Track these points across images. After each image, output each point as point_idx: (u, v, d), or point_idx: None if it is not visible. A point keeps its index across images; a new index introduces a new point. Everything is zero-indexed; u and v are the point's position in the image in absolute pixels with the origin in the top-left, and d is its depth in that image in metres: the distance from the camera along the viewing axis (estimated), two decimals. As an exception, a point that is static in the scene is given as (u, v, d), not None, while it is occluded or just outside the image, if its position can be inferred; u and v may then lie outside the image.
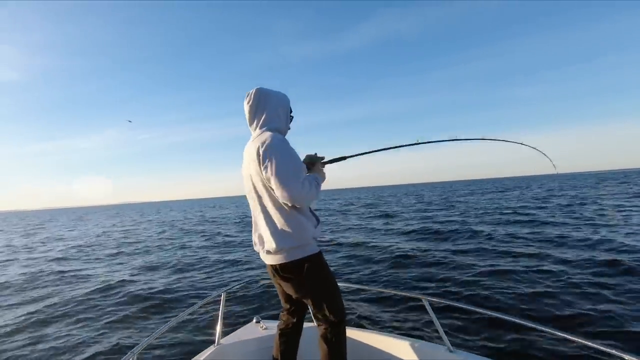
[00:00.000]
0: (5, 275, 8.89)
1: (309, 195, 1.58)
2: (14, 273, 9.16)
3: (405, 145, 2.04)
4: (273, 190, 1.58)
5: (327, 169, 1.89)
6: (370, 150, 2.01)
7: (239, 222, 22.30)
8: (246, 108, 1.73)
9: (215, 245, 12.41)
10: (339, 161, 1.91)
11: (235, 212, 35.61)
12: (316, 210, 1.79)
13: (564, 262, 6.86)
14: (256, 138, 1.67)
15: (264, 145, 1.57)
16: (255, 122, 1.72)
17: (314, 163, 1.83)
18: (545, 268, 6.45)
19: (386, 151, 2.04)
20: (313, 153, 1.86)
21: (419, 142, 2.05)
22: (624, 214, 13.39)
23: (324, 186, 1.78)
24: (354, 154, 1.97)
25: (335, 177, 1.87)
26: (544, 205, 19.51)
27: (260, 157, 1.56)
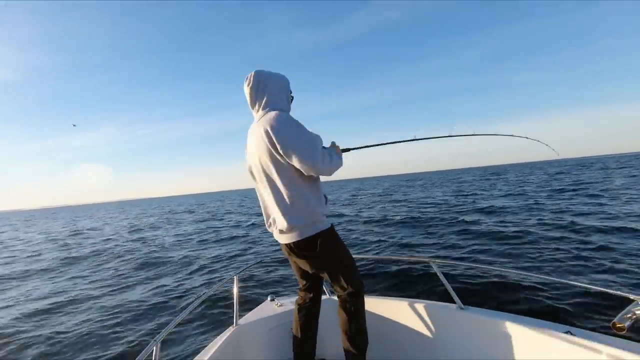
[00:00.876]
0: None
1: (332, 164, 1.63)
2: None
3: (405, 141, 2.14)
4: (290, 167, 1.58)
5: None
6: (371, 144, 2.06)
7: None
8: (247, 91, 1.71)
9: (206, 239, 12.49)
10: (345, 152, 1.89)
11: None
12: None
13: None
14: (262, 119, 1.65)
15: (275, 123, 1.56)
16: (257, 104, 1.71)
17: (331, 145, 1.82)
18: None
19: (384, 145, 2.14)
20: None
21: (417, 138, 2.13)
22: None
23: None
24: (357, 146, 2.00)
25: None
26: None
27: (273, 135, 1.55)
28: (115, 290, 6.55)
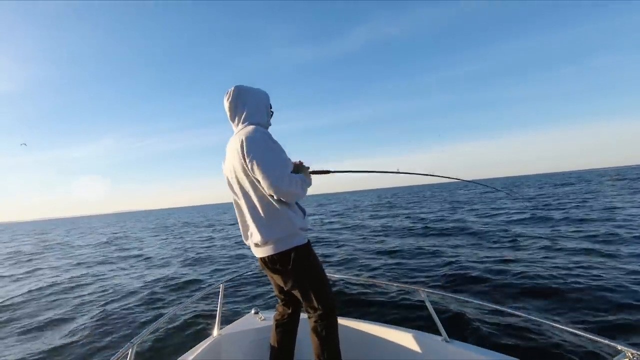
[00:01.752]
0: None
1: (295, 189, 1.57)
2: None
3: (387, 172, 2.21)
4: (259, 182, 1.58)
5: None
6: (354, 170, 2.13)
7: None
8: (226, 105, 1.75)
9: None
10: (323, 174, 1.92)
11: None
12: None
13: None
14: (239, 132, 1.67)
15: (247, 138, 1.58)
16: (236, 119, 1.74)
17: (300, 169, 1.80)
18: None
19: (362, 173, 2.24)
20: (297, 161, 1.82)
21: (399, 171, 2.19)
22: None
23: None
24: (339, 170, 2.02)
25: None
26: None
27: (245, 150, 1.56)
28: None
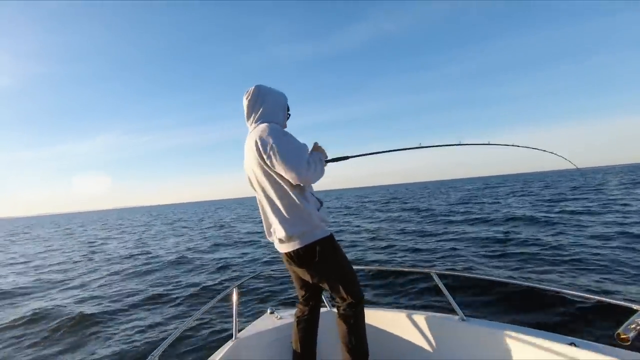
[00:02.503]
0: None
1: (315, 173, 1.63)
2: None
3: (410, 148, 2.04)
4: (278, 176, 1.61)
5: (329, 167, 1.87)
6: (372, 152, 2.01)
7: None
8: (245, 103, 1.77)
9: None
10: (341, 160, 1.91)
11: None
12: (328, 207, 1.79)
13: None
14: (253, 131, 1.70)
15: (261, 134, 1.61)
16: (252, 117, 1.76)
17: (317, 149, 1.82)
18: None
19: (383, 153, 2.05)
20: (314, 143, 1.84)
21: (422, 145, 2.04)
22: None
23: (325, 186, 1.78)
24: (357, 154, 1.96)
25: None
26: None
27: (260, 146, 1.59)
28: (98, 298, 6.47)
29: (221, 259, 9.50)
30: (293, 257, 1.70)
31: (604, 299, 1.47)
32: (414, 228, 11.36)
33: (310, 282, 1.79)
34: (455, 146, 2.10)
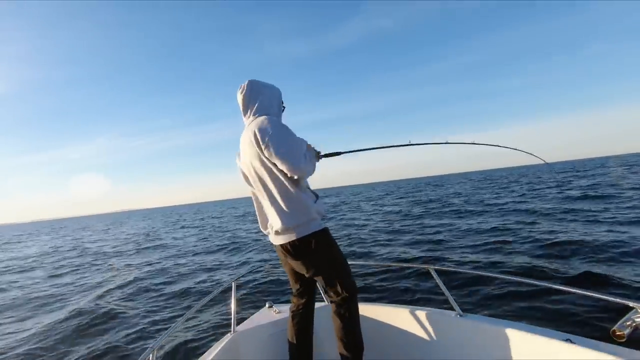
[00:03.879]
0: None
1: (311, 166, 1.67)
2: None
3: (399, 146, 2.10)
4: (276, 168, 1.62)
5: (322, 162, 1.91)
6: (364, 147, 2.05)
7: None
8: (239, 98, 1.78)
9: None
10: (334, 156, 1.93)
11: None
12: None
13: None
14: (250, 124, 1.70)
15: (260, 126, 1.62)
16: (249, 111, 1.76)
17: (308, 148, 1.83)
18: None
19: (372, 150, 2.11)
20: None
21: (411, 143, 2.11)
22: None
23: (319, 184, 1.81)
24: (349, 150, 2.01)
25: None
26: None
27: (260, 136, 1.59)
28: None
29: (220, 256, 9.53)
30: (289, 249, 1.71)
31: (600, 295, 1.47)
32: (408, 223, 11.39)
33: (306, 275, 1.79)
34: (442, 144, 2.18)
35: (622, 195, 12.60)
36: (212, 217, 32.07)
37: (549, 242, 6.45)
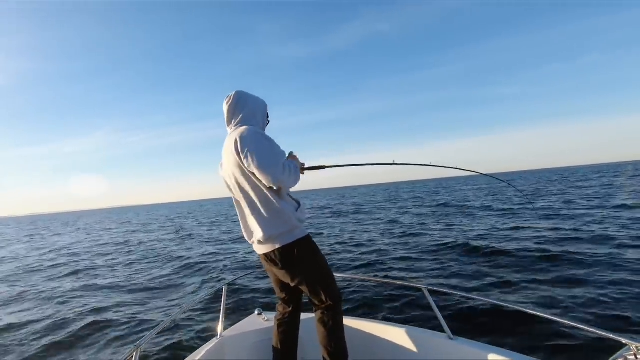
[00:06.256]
0: None
1: (290, 178, 1.63)
2: None
3: (383, 164, 2.14)
4: (255, 177, 1.62)
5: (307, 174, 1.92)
6: (348, 164, 2.08)
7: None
8: (225, 108, 1.80)
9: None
10: (318, 169, 1.95)
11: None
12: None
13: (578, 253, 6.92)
14: (232, 133, 1.72)
15: (240, 135, 1.63)
16: (232, 122, 1.78)
17: (291, 158, 1.85)
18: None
19: (358, 166, 2.15)
20: (289, 152, 1.86)
21: (395, 162, 2.13)
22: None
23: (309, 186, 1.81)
24: (334, 165, 2.04)
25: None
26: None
27: (239, 147, 1.60)
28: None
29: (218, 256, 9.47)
30: (272, 258, 1.70)
31: (594, 330, 1.45)
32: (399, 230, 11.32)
33: (290, 284, 1.78)
34: (425, 166, 2.21)
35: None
36: (219, 215, 31.99)
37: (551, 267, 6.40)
